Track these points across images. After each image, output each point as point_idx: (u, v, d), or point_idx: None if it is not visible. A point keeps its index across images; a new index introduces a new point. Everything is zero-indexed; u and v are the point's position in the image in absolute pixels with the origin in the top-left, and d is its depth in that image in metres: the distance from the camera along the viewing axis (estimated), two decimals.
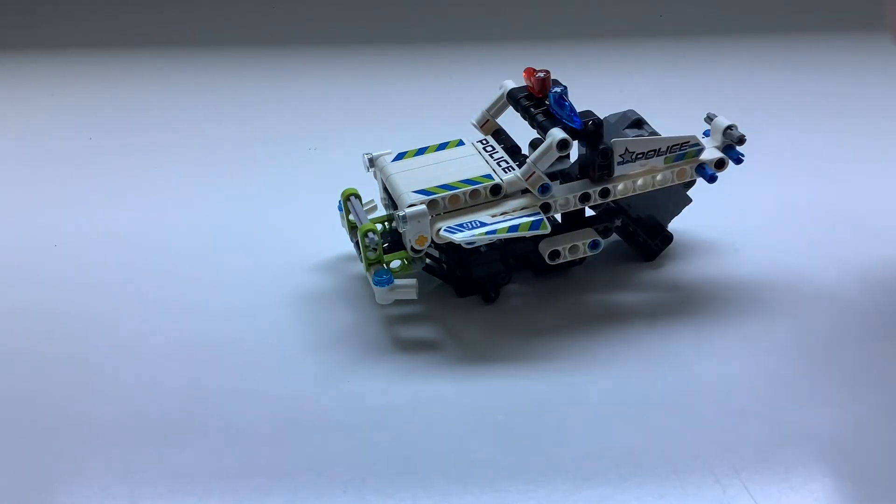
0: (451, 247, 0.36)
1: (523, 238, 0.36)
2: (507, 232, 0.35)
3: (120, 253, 0.42)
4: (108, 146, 0.53)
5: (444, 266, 0.38)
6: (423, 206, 0.35)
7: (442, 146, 0.39)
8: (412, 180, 0.36)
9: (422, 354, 0.34)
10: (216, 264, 0.40)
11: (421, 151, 0.39)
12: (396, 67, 0.62)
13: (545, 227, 0.35)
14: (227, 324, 0.36)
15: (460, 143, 0.39)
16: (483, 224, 0.35)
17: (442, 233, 0.34)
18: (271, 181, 0.48)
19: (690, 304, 0.36)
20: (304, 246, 0.42)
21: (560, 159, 0.35)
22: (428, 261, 0.38)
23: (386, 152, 0.39)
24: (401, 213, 0.34)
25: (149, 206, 0.46)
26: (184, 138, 0.54)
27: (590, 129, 0.36)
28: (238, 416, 0.31)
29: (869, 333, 0.34)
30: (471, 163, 0.37)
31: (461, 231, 0.34)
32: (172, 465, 0.29)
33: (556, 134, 0.34)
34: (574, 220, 0.38)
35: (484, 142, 0.39)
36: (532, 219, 0.35)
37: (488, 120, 0.40)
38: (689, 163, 0.37)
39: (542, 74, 0.37)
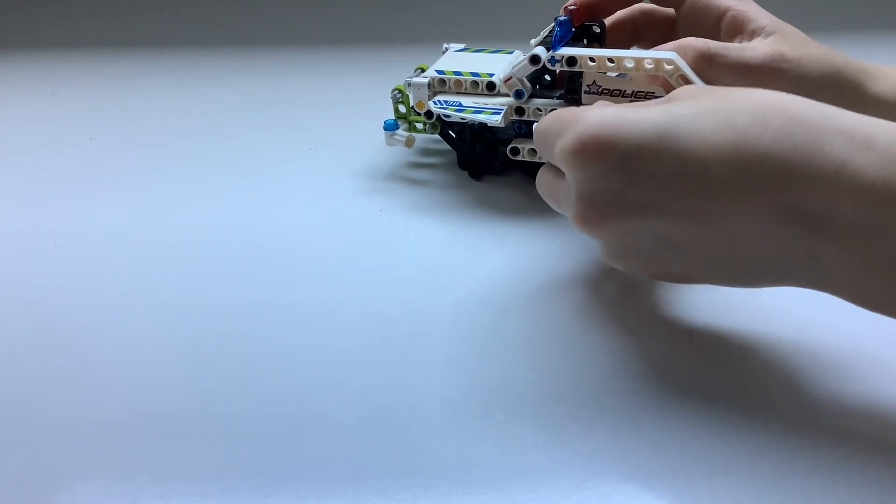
0: (459, 124, 0.45)
1: (504, 131, 0.44)
2: (472, 114, 0.42)
3: (120, 253, 0.42)
4: (109, 146, 0.53)
5: (452, 135, 0.47)
6: (424, 80, 0.45)
7: (496, 51, 0.48)
8: (445, 63, 0.46)
9: (422, 354, 0.34)
10: (216, 264, 0.41)
11: (479, 50, 0.49)
12: (397, 67, 0.62)
13: (498, 122, 0.41)
14: (227, 323, 0.36)
15: (511, 52, 0.47)
16: (461, 106, 0.43)
17: (429, 101, 0.44)
18: (272, 181, 0.48)
19: (691, 302, 0.36)
20: (305, 246, 0.42)
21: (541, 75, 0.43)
22: (447, 130, 0.47)
23: (462, 46, 0.49)
24: (406, 80, 0.45)
25: (149, 206, 0.46)
26: (184, 138, 0.54)
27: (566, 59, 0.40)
28: (238, 416, 0.31)
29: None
30: (495, 64, 0.45)
31: (442, 106, 0.43)
32: (172, 465, 0.29)
33: (534, 50, 0.40)
34: None
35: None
36: (495, 115, 0.42)
37: None
38: None
39: (573, 7, 0.43)
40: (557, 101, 0.42)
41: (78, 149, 0.53)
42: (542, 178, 0.36)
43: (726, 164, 0.29)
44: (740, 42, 0.42)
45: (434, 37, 0.61)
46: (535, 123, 0.36)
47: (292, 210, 0.45)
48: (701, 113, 0.30)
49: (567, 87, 0.41)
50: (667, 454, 0.29)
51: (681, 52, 0.40)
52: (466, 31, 0.69)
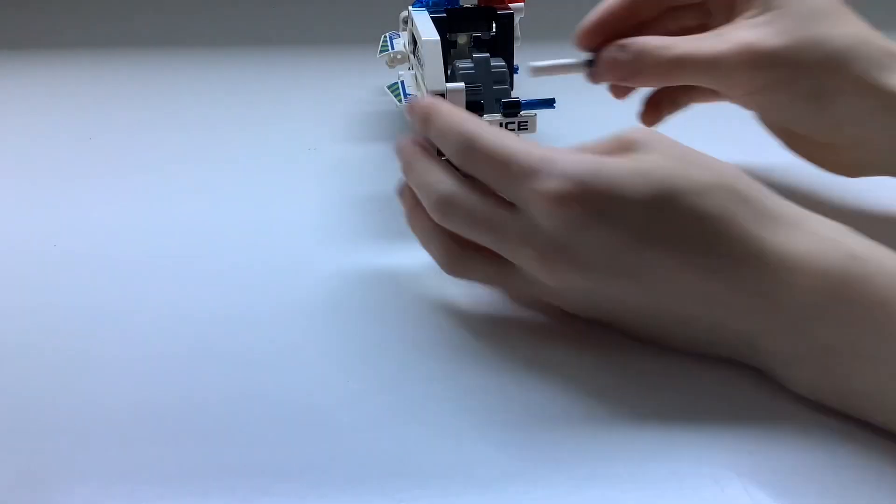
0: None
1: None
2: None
3: (120, 253, 0.42)
4: (109, 146, 0.53)
5: None
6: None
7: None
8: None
9: (422, 354, 0.34)
10: (216, 264, 0.41)
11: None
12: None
13: (396, 93, 0.45)
14: (228, 323, 0.36)
15: None
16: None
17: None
18: (272, 181, 0.48)
19: None
20: (305, 246, 0.42)
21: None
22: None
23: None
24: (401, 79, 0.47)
25: (149, 206, 0.46)
26: (185, 138, 0.54)
27: None
28: (238, 416, 0.31)
29: None
30: None
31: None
32: (172, 465, 0.29)
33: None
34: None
35: None
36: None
37: None
38: None
39: None
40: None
41: (78, 149, 0.53)
42: (469, 202, 0.33)
43: (700, 249, 0.30)
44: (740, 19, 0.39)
45: None
46: (463, 137, 0.33)
47: (293, 209, 0.45)
48: (688, 188, 0.31)
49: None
50: (666, 454, 0.29)
51: (634, 57, 0.38)
52: None
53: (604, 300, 0.33)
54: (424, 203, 0.35)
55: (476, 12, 0.43)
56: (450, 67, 0.40)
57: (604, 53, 0.39)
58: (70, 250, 0.42)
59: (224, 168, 0.50)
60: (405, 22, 0.47)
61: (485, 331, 0.35)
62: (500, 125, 0.38)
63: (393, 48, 0.49)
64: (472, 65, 0.39)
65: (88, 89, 0.62)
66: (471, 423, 0.31)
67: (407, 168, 0.36)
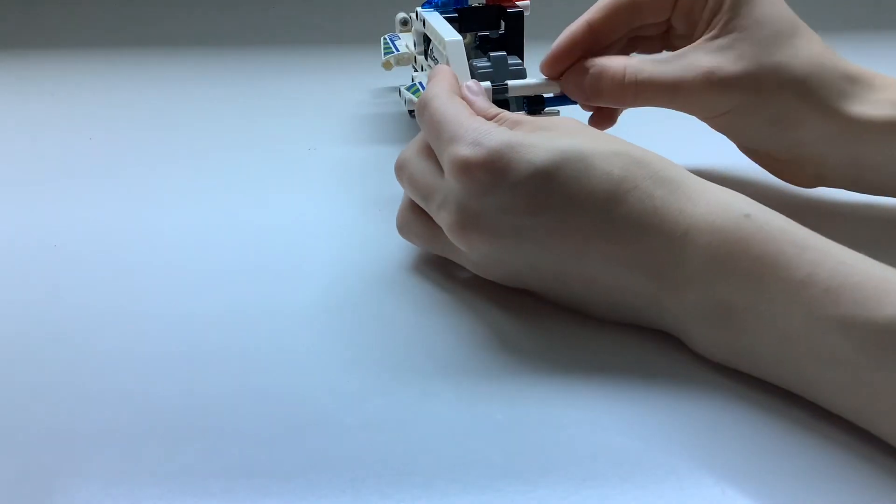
0: None
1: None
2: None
3: (120, 253, 0.42)
4: (109, 146, 0.53)
5: None
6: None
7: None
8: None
9: (422, 354, 0.34)
10: (216, 265, 0.41)
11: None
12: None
13: (417, 94, 0.44)
14: (228, 324, 0.36)
15: None
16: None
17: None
18: (273, 181, 0.48)
19: None
20: (306, 246, 0.42)
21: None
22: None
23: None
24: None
25: (149, 207, 0.46)
26: (185, 138, 0.54)
27: None
28: (238, 416, 0.31)
29: None
30: None
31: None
32: (172, 465, 0.29)
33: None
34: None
35: None
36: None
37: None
38: None
39: None
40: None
41: (77, 149, 0.53)
42: (414, 165, 0.36)
43: (599, 212, 0.32)
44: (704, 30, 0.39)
45: None
46: (425, 97, 0.36)
47: (293, 210, 0.45)
48: (587, 154, 0.32)
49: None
50: (666, 452, 0.29)
51: (593, 80, 0.39)
52: None
53: (515, 267, 0.34)
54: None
55: (485, 11, 0.43)
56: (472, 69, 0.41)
57: (566, 75, 0.40)
58: (70, 250, 0.42)
59: (224, 168, 0.50)
60: (403, 23, 0.48)
61: (485, 330, 0.35)
62: None
63: (397, 50, 0.49)
64: (489, 63, 0.40)
65: (88, 89, 0.62)
66: (471, 423, 0.31)
67: (419, 113, 0.37)
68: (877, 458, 0.28)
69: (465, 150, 0.32)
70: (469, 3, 0.43)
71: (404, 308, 0.37)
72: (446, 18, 0.42)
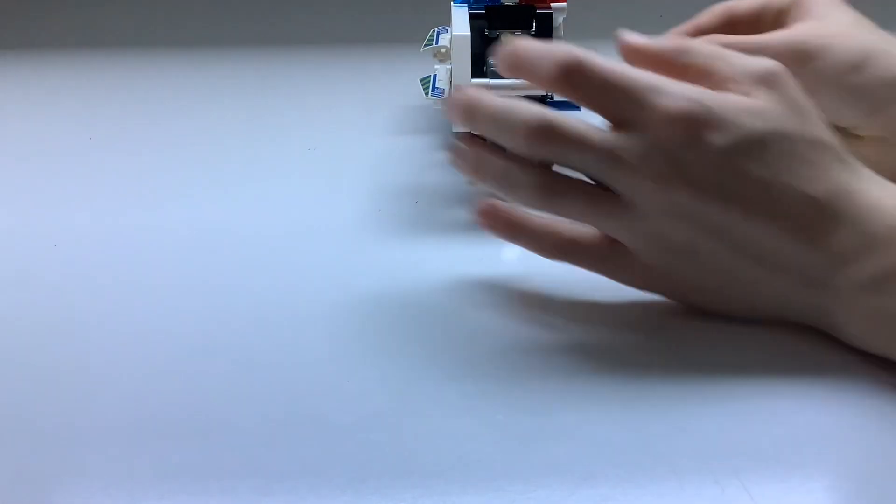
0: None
1: None
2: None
3: (120, 253, 0.42)
4: (109, 146, 0.53)
5: None
6: None
7: None
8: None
9: (422, 354, 0.34)
10: (215, 265, 0.41)
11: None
12: (395, 67, 0.62)
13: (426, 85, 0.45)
14: (227, 324, 0.36)
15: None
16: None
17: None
18: (273, 181, 0.48)
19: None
20: (306, 247, 0.42)
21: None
22: None
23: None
24: None
25: (149, 207, 0.46)
26: (185, 138, 0.54)
27: None
28: (238, 416, 0.31)
29: None
30: None
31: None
32: (172, 465, 0.29)
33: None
34: None
35: None
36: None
37: None
38: None
39: None
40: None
41: (77, 149, 0.53)
42: (575, 125, 0.33)
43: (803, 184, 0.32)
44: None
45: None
46: (573, 58, 0.32)
47: (293, 210, 0.45)
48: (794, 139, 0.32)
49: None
50: (665, 452, 0.29)
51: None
52: None
53: (692, 236, 0.33)
54: (511, 137, 0.33)
55: (516, 10, 0.43)
56: (487, 64, 0.41)
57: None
58: (70, 250, 0.42)
59: (224, 168, 0.50)
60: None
61: (486, 331, 0.35)
62: None
63: (438, 42, 0.49)
64: None
65: (88, 89, 0.62)
66: (471, 423, 0.31)
67: (469, 112, 0.34)
68: None
69: (678, 102, 0.32)
70: (502, 1, 0.43)
71: (404, 308, 0.37)
72: (472, 14, 0.42)
